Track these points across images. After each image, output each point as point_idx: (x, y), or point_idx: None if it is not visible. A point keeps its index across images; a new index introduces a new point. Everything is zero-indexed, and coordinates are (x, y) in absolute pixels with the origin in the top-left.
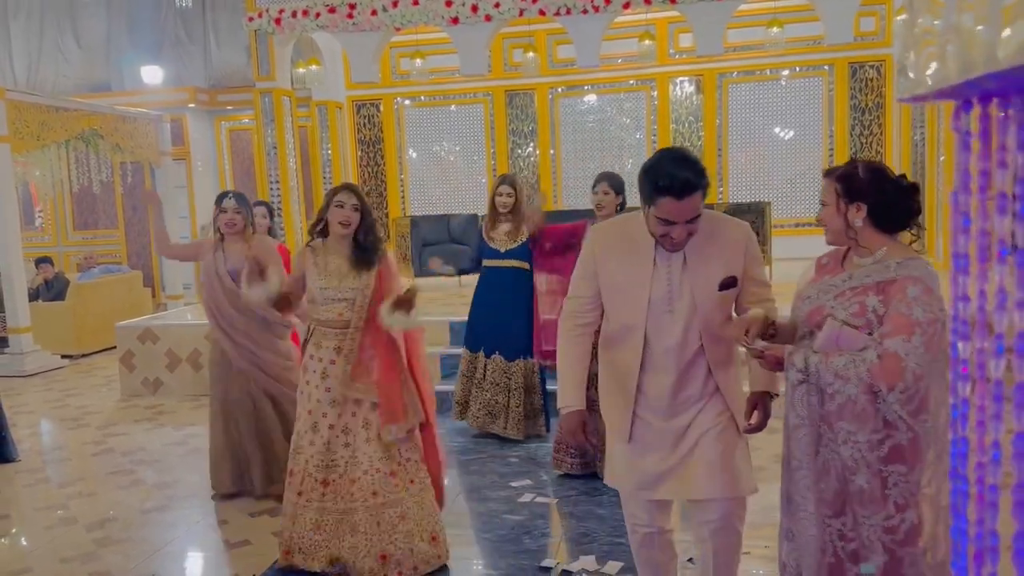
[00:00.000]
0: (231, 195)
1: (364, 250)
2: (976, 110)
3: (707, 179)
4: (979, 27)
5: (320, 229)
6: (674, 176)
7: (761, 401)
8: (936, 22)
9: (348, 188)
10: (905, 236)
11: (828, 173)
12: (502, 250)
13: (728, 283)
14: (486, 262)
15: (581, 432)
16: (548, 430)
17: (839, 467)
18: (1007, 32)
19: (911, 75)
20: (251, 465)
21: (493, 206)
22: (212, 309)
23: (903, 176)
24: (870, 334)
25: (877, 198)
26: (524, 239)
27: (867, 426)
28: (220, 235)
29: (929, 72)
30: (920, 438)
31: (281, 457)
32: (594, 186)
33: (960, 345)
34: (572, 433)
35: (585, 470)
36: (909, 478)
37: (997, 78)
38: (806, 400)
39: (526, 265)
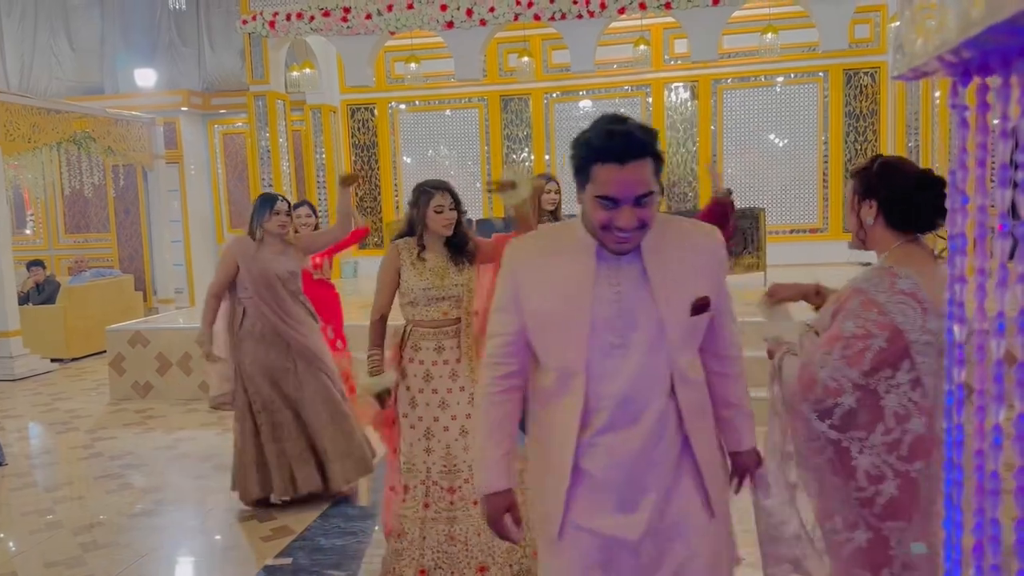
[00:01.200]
0: (282, 199)
1: (461, 245)
2: (975, 81)
3: (658, 145)
4: None
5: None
6: (613, 132)
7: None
8: None
9: (445, 189)
10: (932, 239)
11: (852, 171)
12: None
13: (702, 305)
14: None
15: (502, 522)
16: None
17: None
18: None
19: (905, 51)
20: (276, 468)
21: (539, 206)
22: (275, 309)
23: (927, 170)
24: None
25: (887, 193)
26: None
27: (802, 432)
28: (260, 237)
29: (926, 37)
30: (851, 457)
31: (298, 459)
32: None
33: (956, 328)
34: (494, 522)
35: None
36: (847, 495)
37: (1002, 30)
38: (774, 395)
39: None
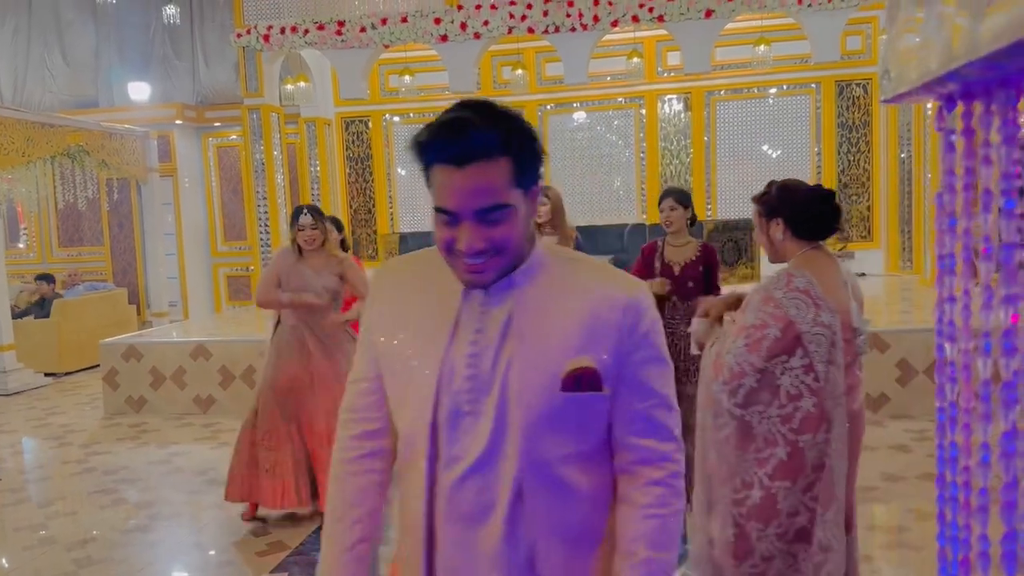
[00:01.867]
0: (306, 211)
1: None
2: (959, 107)
3: (524, 139)
4: (960, 17)
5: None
6: (448, 123)
7: None
8: (919, 13)
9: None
10: (831, 242)
11: (753, 198)
12: None
13: (581, 378)
14: None
15: None
16: None
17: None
18: (988, 20)
19: (892, 76)
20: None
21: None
22: (310, 324)
23: (819, 186)
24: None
25: (790, 210)
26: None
27: (711, 409)
28: (299, 250)
29: (913, 66)
30: (752, 427)
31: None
32: (660, 202)
33: (946, 346)
34: None
35: None
36: (745, 458)
37: (979, 66)
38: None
39: None
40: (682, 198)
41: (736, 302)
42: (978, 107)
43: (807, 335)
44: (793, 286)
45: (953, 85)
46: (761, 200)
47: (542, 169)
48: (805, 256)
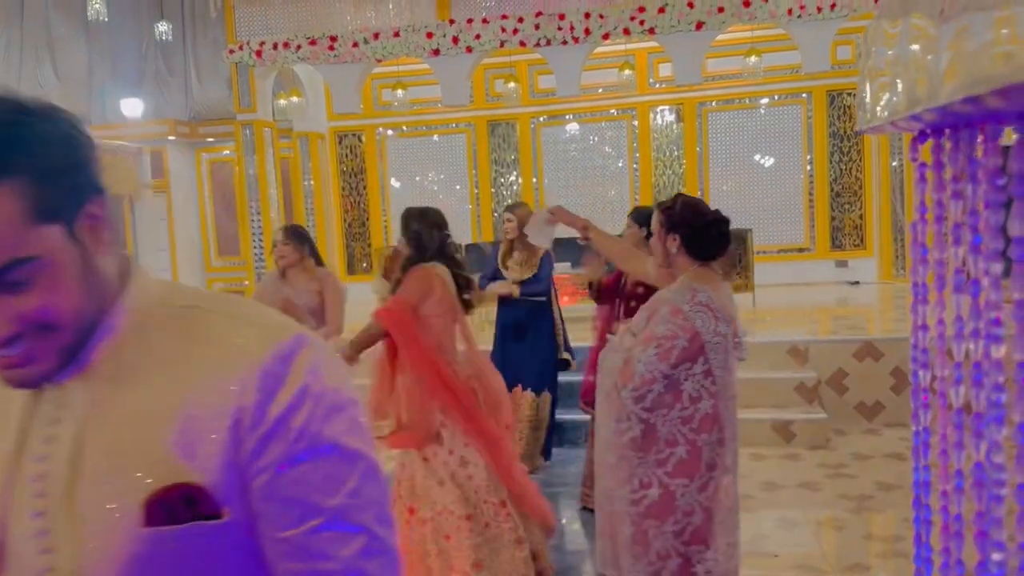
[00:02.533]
0: (281, 228)
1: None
2: (929, 142)
3: (50, 141)
4: (927, 57)
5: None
6: None
7: None
8: (889, 52)
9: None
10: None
11: (658, 205)
12: (517, 288)
13: (173, 502)
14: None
15: None
16: (548, 459)
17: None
18: (949, 66)
19: (867, 106)
20: None
21: (505, 237)
22: None
23: (716, 211)
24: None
25: (690, 231)
26: (538, 268)
27: (613, 415)
28: (282, 270)
29: (881, 104)
30: (656, 429)
31: None
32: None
33: (920, 373)
34: None
35: None
36: (647, 460)
37: (940, 112)
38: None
39: (543, 297)
40: (638, 217)
41: (583, 228)
42: (947, 143)
43: (709, 344)
44: (697, 300)
45: (918, 124)
46: (665, 212)
47: (97, 180)
48: (698, 272)
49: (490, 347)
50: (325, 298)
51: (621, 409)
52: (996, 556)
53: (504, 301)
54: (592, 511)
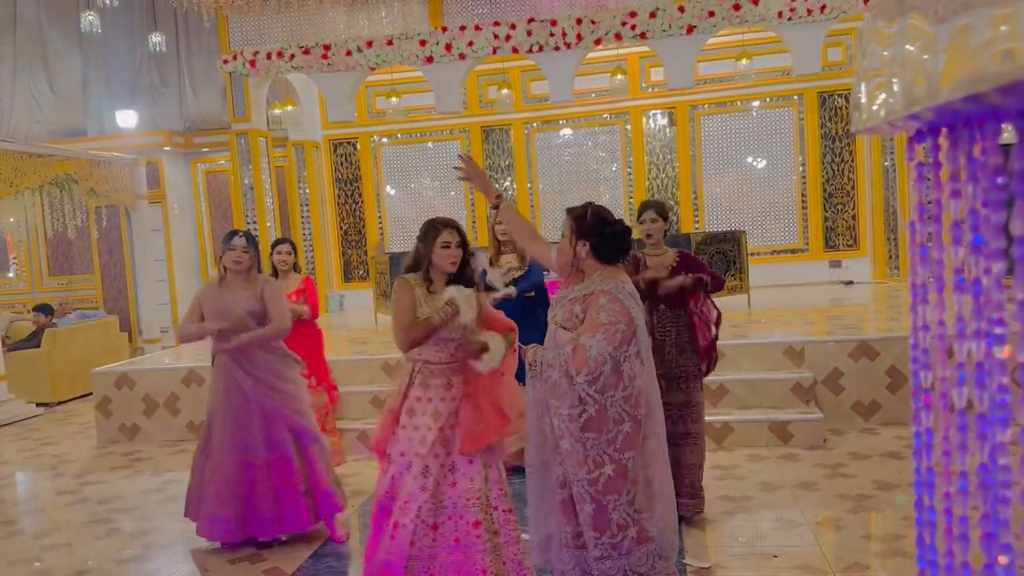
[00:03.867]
0: (241, 234)
1: (466, 285)
2: (927, 141)
3: None
4: (924, 57)
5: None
6: None
7: None
8: (885, 53)
9: (452, 227)
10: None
11: (568, 211)
12: (507, 282)
13: None
14: (495, 295)
15: None
16: None
17: (553, 434)
18: (948, 65)
19: (862, 106)
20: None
21: (494, 236)
22: (232, 350)
23: (621, 220)
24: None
25: (598, 239)
26: (526, 268)
27: (566, 402)
28: (223, 274)
29: (878, 104)
30: (607, 409)
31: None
32: (639, 215)
33: (921, 374)
34: None
35: None
36: (600, 440)
37: (939, 111)
38: (534, 386)
39: (531, 293)
40: (661, 210)
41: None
42: (944, 142)
43: (639, 328)
44: (627, 291)
45: (915, 123)
46: (576, 220)
47: None
48: (610, 271)
49: None
50: (264, 296)
51: (574, 395)
52: (1003, 559)
53: (496, 300)
54: None
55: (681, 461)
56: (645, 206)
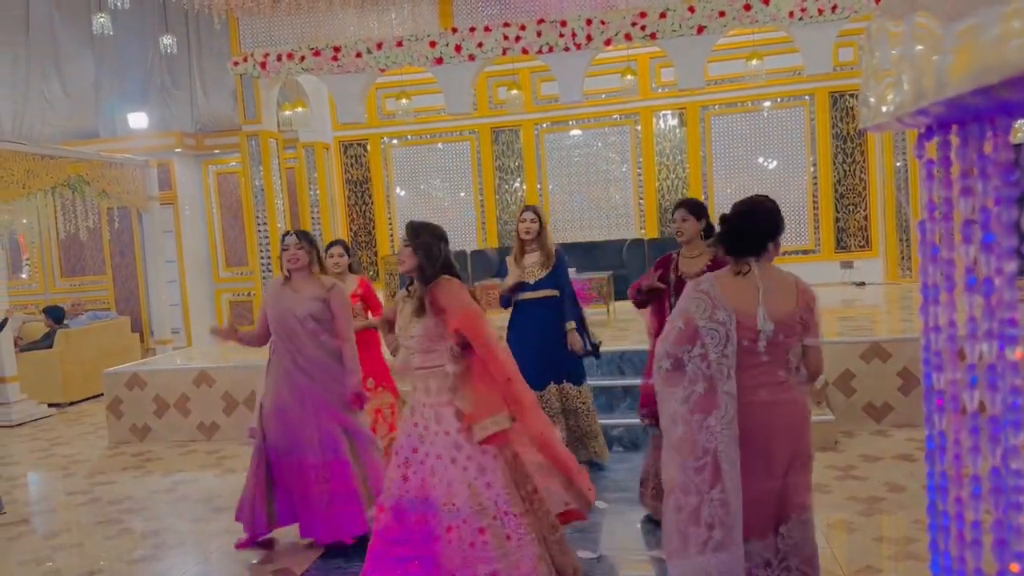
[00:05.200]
0: (293, 232)
1: (419, 298)
2: (936, 138)
3: None
4: (932, 56)
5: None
6: None
7: None
8: (894, 51)
9: (406, 225)
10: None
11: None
12: (532, 281)
13: None
14: (522, 296)
15: None
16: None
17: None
18: (957, 59)
19: (871, 103)
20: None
21: (518, 236)
22: (291, 350)
23: (731, 213)
24: None
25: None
26: (553, 266)
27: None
28: (287, 274)
29: (887, 100)
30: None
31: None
32: (672, 213)
33: (934, 376)
34: None
35: None
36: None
37: (948, 106)
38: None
39: (557, 292)
40: (695, 209)
41: None
42: (955, 139)
43: (703, 329)
44: (699, 288)
45: (925, 119)
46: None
47: None
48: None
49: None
50: (331, 303)
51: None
52: (1015, 567)
53: (520, 300)
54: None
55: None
56: (678, 204)
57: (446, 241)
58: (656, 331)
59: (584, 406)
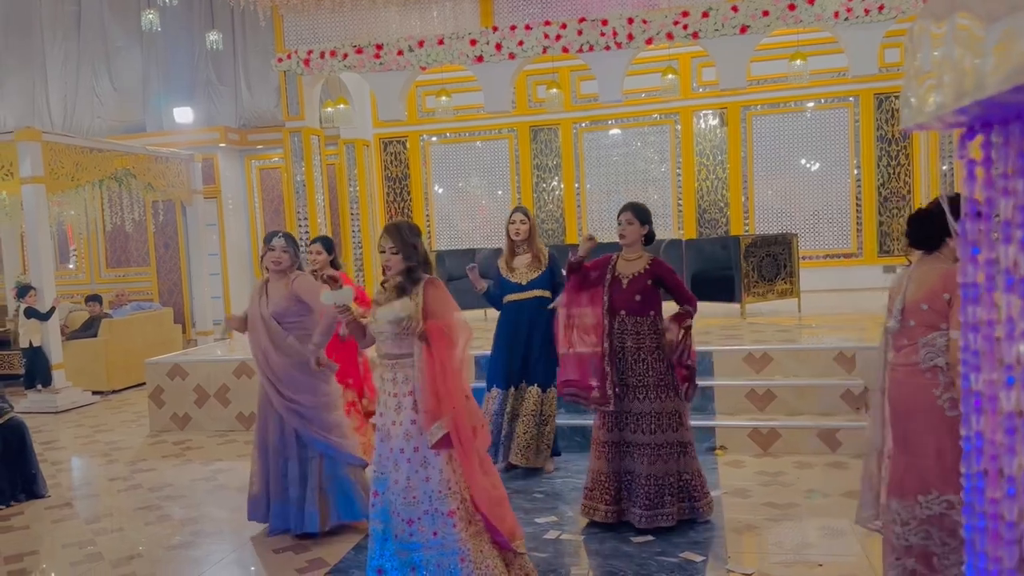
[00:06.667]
0: (280, 234)
1: (401, 288)
2: (979, 138)
3: None
4: (973, 58)
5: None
6: None
7: None
8: (935, 53)
9: (385, 230)
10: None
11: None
12: (523, 282)
13: None
14: (509, 297)
15: None
16: (557, 454)
17: None
18: (997, 60)
19: (913, 104)
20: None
21: (508, 237)
22: (258, 356)
23: (922, 208)
24: None
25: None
26: (544, 268)
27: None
28: (266, 277)
29: (929, 101)
30: None
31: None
32: (618, 215)
33: (972, 377)
34: None
35: (619, 518)
36: None
37: (988, 105)
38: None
39: (548, 293)
40: (640, 214)
41: None
42: (997, 138)
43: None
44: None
45: (964, 118)
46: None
47: None
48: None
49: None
50: (297, 291)
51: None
52: None
53: (510, 301)
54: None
55: (670, 470)
56: (624, 207)
57: (420, 235)
58: (567, 308)
59: (547, 413)
